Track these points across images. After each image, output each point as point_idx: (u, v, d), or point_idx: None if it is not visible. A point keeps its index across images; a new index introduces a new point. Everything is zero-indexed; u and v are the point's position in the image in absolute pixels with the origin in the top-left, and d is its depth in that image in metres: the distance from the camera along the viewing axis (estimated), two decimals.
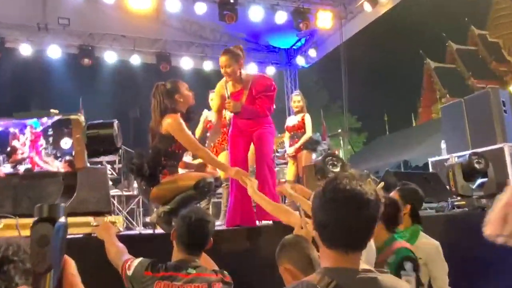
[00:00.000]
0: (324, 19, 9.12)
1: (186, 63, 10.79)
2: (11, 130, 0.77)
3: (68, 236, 0.89)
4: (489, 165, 4.09)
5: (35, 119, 0.76)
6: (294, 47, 11.67)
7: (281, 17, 8.98)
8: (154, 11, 9.78)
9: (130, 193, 7.25)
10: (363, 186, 1.28)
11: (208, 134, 5.46)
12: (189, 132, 3.21)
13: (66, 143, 0.74)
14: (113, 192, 6.91)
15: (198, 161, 6.17)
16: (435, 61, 29.96)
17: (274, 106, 3.87)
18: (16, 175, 0.75)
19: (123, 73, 16.05)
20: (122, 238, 2.40)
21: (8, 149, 0.75)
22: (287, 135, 6.06)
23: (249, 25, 9.68)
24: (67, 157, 0.72)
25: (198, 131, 5.50)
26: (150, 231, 3.58)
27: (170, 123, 3.15)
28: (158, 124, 3.19)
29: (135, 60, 10.36)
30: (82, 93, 14.61)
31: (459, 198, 4.02)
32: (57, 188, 2.73)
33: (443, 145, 6.80)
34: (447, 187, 4.35)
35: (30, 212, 2.66)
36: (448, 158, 6.11)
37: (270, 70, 11.47)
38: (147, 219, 7.00)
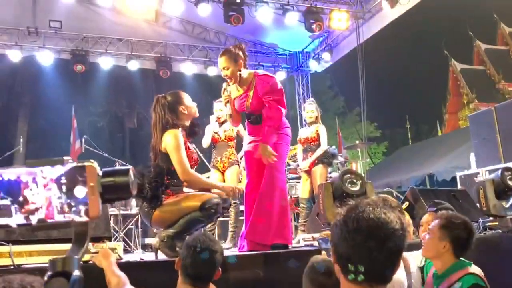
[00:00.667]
0: (339, 20, 9.17)
1: (188, 69, 10.88)
2: (23, 179, 0.80)
3: (60, 257, 0.91)
4: None
5: (48, 167, 0.78)
6: (306, 49, 11.74)
7: (291, 17, 9.04)
8: (153, 12, 9.94)
9: (128, 212, 7.30)
10: (388, 214, 1.31)
11: (213, 148, 5.52)
12: (184, 155, 3.20)
13: (80, 191, 0.76)
14: (109, 211, 6.96)
15: (205, 175, 6.24)
16: (461, 62, 29.82)
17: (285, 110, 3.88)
18: (29, 226, 0.79)
19: (119, 80, 16.21)
20: (123, 266, 2.43)
21: (20, 199, 0.78)
22: (299, 147, 6.08)
23: (256, 26, 9.77)
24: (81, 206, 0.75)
25: (205, 144, 5.54)
26: (151, 255, 3.61)
27: (167, 141, 3.19)
28: (159, 141, 3.23)
29: (133, 65, 10.47)
30: (74, 101, 14.83)
31: (491, 218, 4.01)
32: None
33: (472, 158, 6.78)
34: (478, 205, 4.34)
35: (24, 238, 2.70)
36: (478, 173, 6.10)
37: (280, 75, 11.54)
38: (147, 241, 7.04)
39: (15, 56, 9.64)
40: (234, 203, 5.24)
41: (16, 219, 0.88)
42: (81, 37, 9.95)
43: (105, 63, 10.31)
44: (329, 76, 16.82)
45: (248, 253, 3.47)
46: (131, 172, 0.93)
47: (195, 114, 3.44)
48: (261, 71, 4.03)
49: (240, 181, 5.53)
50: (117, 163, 7.71)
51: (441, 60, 30.94)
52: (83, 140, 8.70)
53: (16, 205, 0.88)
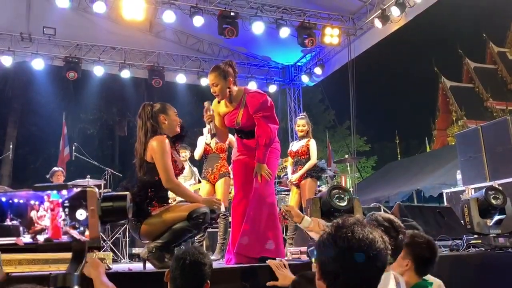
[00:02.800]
0: (331, 36, 9.30)
1: (180, 79, 10.93)
2: (32, 202, 0.87)
3: (54, 272, 0.97)
4: (507, 201, 4.17)
5: (55, 192, 0.86)
6: (298, 63, 11.88)
7: (285, 32, 9.16)
8: (147, 22, 9.99)
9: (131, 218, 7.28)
10: (374, 233, 1.37)
11: (205, 159, 5.55)
12: (169, 162, 3.23)
13: (81, 214, 0.84)
14: None
15: (196, 187, 6.27)
16: (451, 80, 30.28)
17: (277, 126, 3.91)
18: (35, 245, 0.85)
19: (111, 88, 16.21)
20: (111, 276, 2.45)
21: (27, 220, 0.85)
22: (290, 160, 6.15)
23: (250, 39, 9.87)
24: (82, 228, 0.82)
25: (197, 155, 5.58)
26: (139, 265, 3.61)
27: (153, 146, 3.22)
28: (144, 149, 3.27)
29: (125, 74, 10.49)
30: (65, 108, 14.82)
31: (475, 236, 4.09)
32: None
33: (458, 175, 6.89)
34: (462, 222, 4.42)
35: (14, 247, 2.71)
36: (464, 190, 6.20)
37: (272, 88, 11.66)
38: (134, 251, 7.03)
39: (7, 61, 9.62)
40: (224, 214, 5.26)
41: (24, 239, 0.94)
42: (74, 45, 9.97)
43: (98, 71, 10.32)
44: (320, 90, 16.96)
45: (235, 266, 3.50)
46: (128, 198, 1.01)
47: (175, 128, 3.42)
48: (251, 88, 4.07)
49: (230, 193, 5.57)
50: (107, 172, 7.69)
51: (431, 77, 31.40)
52: (73, 148, 8.69)
53: (23, 227, 0.94)
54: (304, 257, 3.61)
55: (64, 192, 0.96)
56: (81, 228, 0.95)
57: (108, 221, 1.02)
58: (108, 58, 10.28)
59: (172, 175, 3.25)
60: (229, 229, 5.55)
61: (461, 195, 6.31)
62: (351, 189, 7.88)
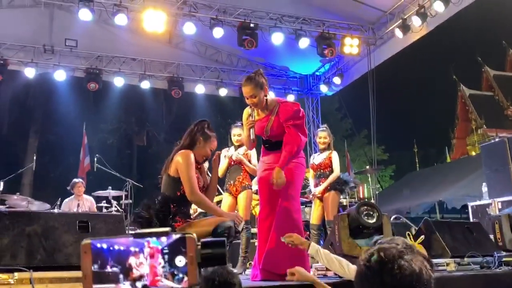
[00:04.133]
0: (351, 46, 9.26)
1: (199, 89, 10.98)
2: (132, 249, 0.87)
3: None
4: None
5: (154, 238, 0.86)
6: (316, 73, 11.84)
7: (304, 43, 9.14)
8: (167, 33, 10.07)
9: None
10: (417, 263, 1.30)
11: (227, 172, 5.52)
12: (194, 175, 3.28)
13: (180, 261, 0.84)
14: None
15: (217, 198, 6.25)
16: (470, 88, 29.89)
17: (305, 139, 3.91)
18: None
19: (131, 98, 16.37)
20: None
21: (127, 267, 0.85)
22: (311, 173, 6.08)
23: (268, 49, 9.87)
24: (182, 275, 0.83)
25: (221, 171, 5.55)
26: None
27: (178, 160, 3.27)
28: (170, 161, 3.36)
29: (145, 84, 10.59)
30: (86, 118, 14.98)
31: (507, 253, 3.98)
32: (72, 236, 2.80)
33: (484, 188, 6.75)
34: (492, 239, 4.32)
35: (45, 264, 2.71)
36: (491, 203, 6.06)
37: (290, 98, 11.61)
38: None
39: (30, 73, 9.79)
40: (246, 227, 5.22)
41: (123, 286, 0.96)
42: (95, 56, 10.11)
43: (118, 81, 10.44)
44: (337, 98, 16.87)
45: (262, 283, 3.45)
46: (226, 243, 1.01)
47: (197, 157, 3.49)
48: (284, 100, 4.11)
49: (252, 206, 5.53)
50: (128, 183, 7.72)
51: (449, 85, 31.05)
52: (95, 159, 8.74)
53: (123, 274, 0.95)
54: (330, 273, 3.55)
55: (164, 239, 0.97)
56: (180, 275, 0.96)
57: (206, 267, 1.02)
58: (128, 69, 10.40)
59: (196, 187, 3.27)
60: (251, 241, 5.52)
61: (487, 209, 6.18)
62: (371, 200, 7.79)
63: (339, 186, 5.72)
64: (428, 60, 38.76)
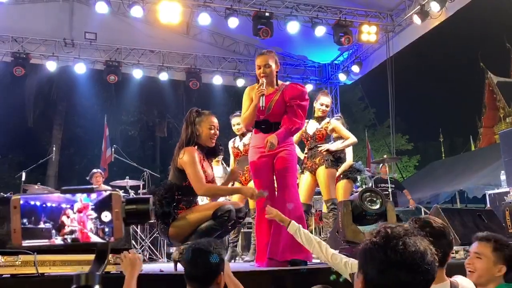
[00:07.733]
0: (368, 33, 9.15)
1: (217, 80, 11.05)
2: (64, 205, 0.95)
3: (77, 272, 1.05)
4: None
5: (85, 195, 0.94)
6: (335, 62, 11.74)
7: (320, 30, 9.08)
8: (184, 25, 10.15)
9: (153, 220, 7.44)
10: (423, 244, 1.31)
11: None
12: (199, 170, 3.29)
13: (106, 216, 0.91)
14: None
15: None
16: (498, 75, 29.06)
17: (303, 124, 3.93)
18: (64, 246, 0.96)
19: (150, 90, 16.57)
20: (143, 277, 2.50)
21: (59, 223, 0.93)
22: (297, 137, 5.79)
23: (285, 38, 9.84)
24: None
25: (233, 163, 5.60)
26: (171, 266, 3.68)
27: (183, 159, 3.31)
28: (176, 155, 3.40)
29: (163, 76, 10.72)
30: (107, 110, 15.28)
31: None
32: None
33: (502, 176, 6.62)
34: (504, 226, 4.25)
35: (47, 248, 2.80)
36: (509, 192, 5.95)
37: (309, 87, 11.56)
38: (171, 250, 7.16)
39: (51, 66, 10.06)
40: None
41: (56, 241, 1.03)
42: (114, 49, 10.28)
43: (137, 74, 10.59)
44: (359, 88, 16.68)
45: (266, 269, 3.49)
46: (151, 201, 1.08)
47: (207, 142, 3.49)
48: (291, 82, 4.18)
49: None
50: (145, 172, 7.87)
51: (476, 73, 30.26)
52: (113, 149, 8.93)
53: (55, 230, 1.03)
54: None
55: (94, 196, 1.03)
56: (107, 230, 1.02)
57: (131, 223, 1.08)
58: (147, 61, 10.53)
59: (203, 181, 3.29)
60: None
61: (505, 197, 6.06)
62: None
63: (351, 174, 5.65)
64: (453, 47, 37.82)
